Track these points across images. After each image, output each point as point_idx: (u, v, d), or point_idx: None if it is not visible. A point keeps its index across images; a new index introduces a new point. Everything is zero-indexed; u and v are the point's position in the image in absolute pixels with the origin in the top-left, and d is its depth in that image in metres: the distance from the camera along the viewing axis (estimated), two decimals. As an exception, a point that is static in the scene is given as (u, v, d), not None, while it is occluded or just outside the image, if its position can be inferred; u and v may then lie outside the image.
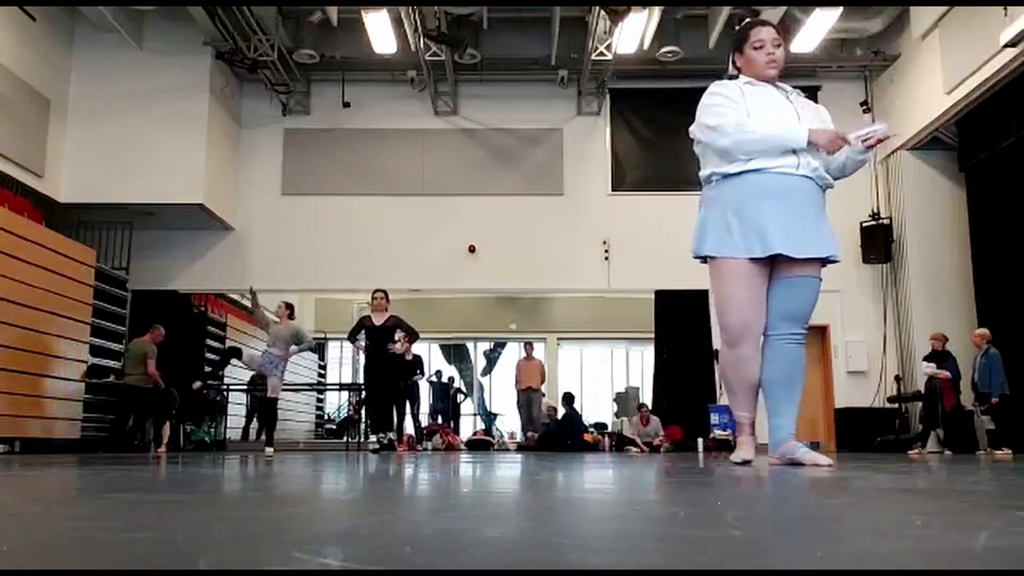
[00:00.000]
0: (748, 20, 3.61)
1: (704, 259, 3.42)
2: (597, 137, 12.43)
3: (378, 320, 8.87)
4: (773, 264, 3.29)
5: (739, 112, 3.27)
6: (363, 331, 8.94)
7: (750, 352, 3.34)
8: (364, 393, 9.21)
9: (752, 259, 3.23)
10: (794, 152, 3.25)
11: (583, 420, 12.65)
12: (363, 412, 13.54)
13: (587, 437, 12.06)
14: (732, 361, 3.37)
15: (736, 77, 3.50)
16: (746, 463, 3.33)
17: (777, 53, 3.41)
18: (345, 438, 13.52)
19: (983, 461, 5.58)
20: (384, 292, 9.05)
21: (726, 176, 3.28)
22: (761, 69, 3.41)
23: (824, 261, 3.36)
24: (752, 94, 3.35)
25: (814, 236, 3.24)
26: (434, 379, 15.10)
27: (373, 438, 8.81)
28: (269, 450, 8.66)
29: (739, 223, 3.23)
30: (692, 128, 3.45)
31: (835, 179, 3.50)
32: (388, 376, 8.91)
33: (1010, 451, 8.65)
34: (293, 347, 8.96)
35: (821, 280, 3.37)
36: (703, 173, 3.40)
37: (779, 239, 3.18)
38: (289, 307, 9.18)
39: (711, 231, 3.30)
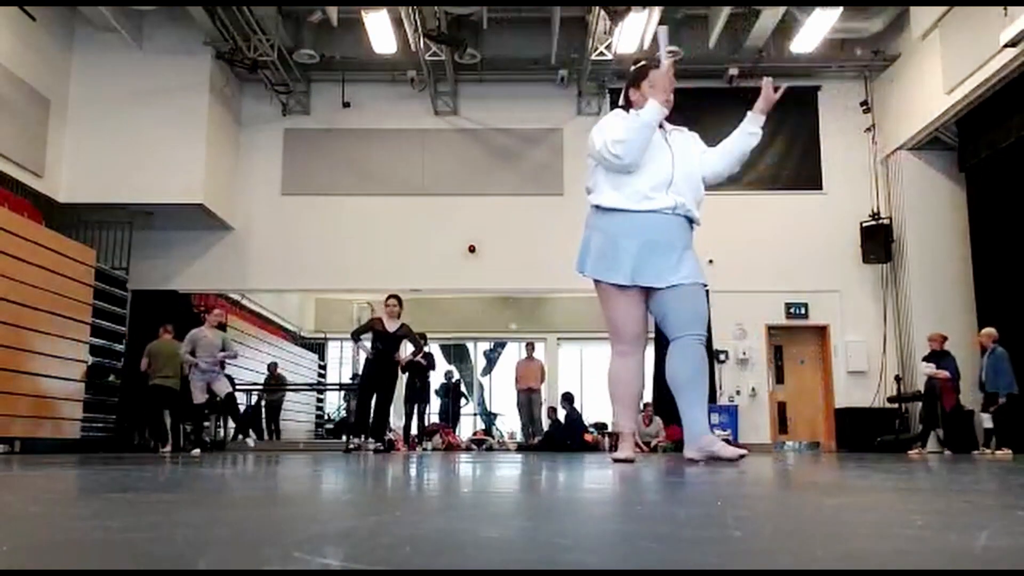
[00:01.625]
0: (645, 62, 3.85)
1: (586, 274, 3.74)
2: (597, 137, 12.41)
3: (391, 327, 8.72)
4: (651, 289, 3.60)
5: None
6: (370, 333, 8.83)
7: (639, 362, 3.71)
8: (358, 394, 9.13)
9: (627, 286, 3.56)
10: (667, 192, 3.54)
11: (583, 420, 12.66)
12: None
13: (587, 437, 12.06)
14: (622, 372, 3.69)
15: (626, 109, 3.75)
16: (628, 461, 3.65)
17: (671, 98, 3.66)
18: (344, 438, 13.52)
19: (983, 461, 5.58)
20: (398, 298, 8.90)
21: (610, 210, 3.58)
22: None
23: None
24: None
25: (675, 267, 3.53)
26: (444, 380, 15.11)
27: (370, 440, 8.73)
28: (196, 451, 8.77)
29: (615, 253, 3.54)
30: (596, 146, 3.65)
31: (731, 170, 3.79)
32: (387, 383, 8.82)
33: (1010, 451, 8.65)
34: (220, 353, 9.23)
35: (704, 286, 3.63)
36: (593, 200, 3.66)
37: (647, 273, 3.51)
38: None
39: (593, 255, 3.62)
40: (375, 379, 8.76)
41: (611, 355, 3.75)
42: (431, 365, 12.38)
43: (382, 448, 8.59)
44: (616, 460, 3.68)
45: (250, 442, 8.73)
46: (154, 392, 9.65)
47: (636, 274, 3.51)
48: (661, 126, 3.67)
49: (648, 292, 3.59)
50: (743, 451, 3.52)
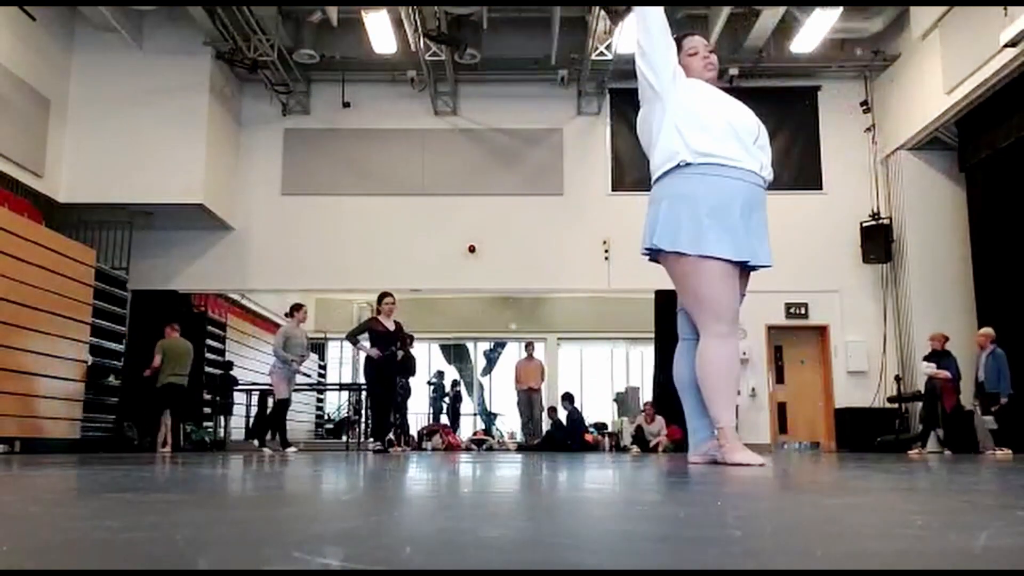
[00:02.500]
0: (676, 37, 3.68)
1: (655, 254, 3.42)
2: (597, 137, 12.43)
3: (390, 325, 8.77)
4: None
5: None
6: (367, 334, 8.83)
7: (738, 346, 3.38)
8: (368, 396, 9.11)
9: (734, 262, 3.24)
10: (754, 152, 3.28)
11: (584, 420, 12.67)
12: (365, 413, 13.52)
13: (588, 437, 12.07)
14: (730, 355, 3.27)
15: None
16: (760, 464, 3.19)
17: (712, 57, 3.53)
18: (345, 438, 13.53)
19: (986, 461, 5.58)
20: (393, 296, 8.99)
21: (689, 167, 3.23)
22: (699, 72, 3.50)
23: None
24: (704, 86, 3.42)
25: (768, 247, 3.37)
26: (434, 380, 15.10)
27: (375, 442, 8.75)
28: (292, 449, 9.14)
29: (717, 225, 3.19)
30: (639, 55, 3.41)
31: None
32: (394, 381, 8.84)
33: (1010, 451, 8.64)
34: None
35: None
36: (668, 153, 3.29)
37: (759, 251, 3.27)
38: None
39: (686, 228, 3.24)
40: (384, 379, 8.70)
41: (708, 339, 3.27)
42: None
43: (381, 448, 8.60)
44: (739, 464, 3.08)
45: (267, 451, 8.71)
46: (167, 391, 9.72)
47: (749, 250, 3.20)
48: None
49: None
50: (760, 462, 3.47)
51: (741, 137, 3.24)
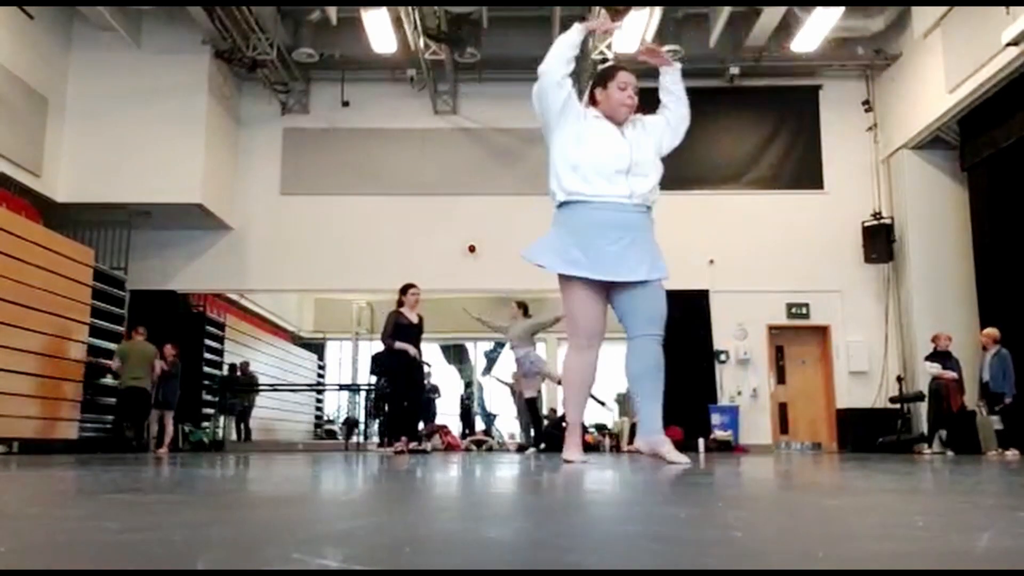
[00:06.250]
0: (612, 64, 4.04)
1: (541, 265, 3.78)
2: (597, 137, 12.41)
3: (413, 318, 8.39)
4: (613, 283, 3.63)
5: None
6: (395, 330, 8.30)
7: (595, 358, 3.71)
8: (396, 396, 8.64)
9: (592, 280, 3.55)
10: (625, 181, 3.56)
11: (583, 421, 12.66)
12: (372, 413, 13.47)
13: (587, 438, 12.05)
14: (579, 366, 3.71)
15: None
16: (583, 462, 3.70)
17: (635, 100, 3.79)
18: (349, 438, 13.52)
19: (992, 462, 5.58)
20: (418, 287, 8.60)
21: (565, 204, 3.62)
22: (616, 107, 3.76)
23: None
24: (593, 121, 3.74)
25: (650, 261, 3.58)
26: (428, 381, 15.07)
27: (416, 443, 8.45)
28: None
29: (580, 249, 3.54)
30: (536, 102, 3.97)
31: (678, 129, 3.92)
32: (419, 378, 8.56)
33: (1018, 452, 8.64)
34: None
35: (663, 286, 3.71)
36: (552, 191, 3.79)
37: (619, 267, 3.52)
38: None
39: (551, 250, 3.67)
40: (411, 376, 8.38)
41: (568, 348, 3.80)
42: None
43: (419, 448, 8.39)
44: (566, 462, 3.65)
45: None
46: (129, 394, 9.81)
47: (604, 268, 3.51)
48: (620, 124, 3.74)
49: (611, 287, 3.59)
50: (687, 461, 3.57)
51: (607, 173, 3.56)
